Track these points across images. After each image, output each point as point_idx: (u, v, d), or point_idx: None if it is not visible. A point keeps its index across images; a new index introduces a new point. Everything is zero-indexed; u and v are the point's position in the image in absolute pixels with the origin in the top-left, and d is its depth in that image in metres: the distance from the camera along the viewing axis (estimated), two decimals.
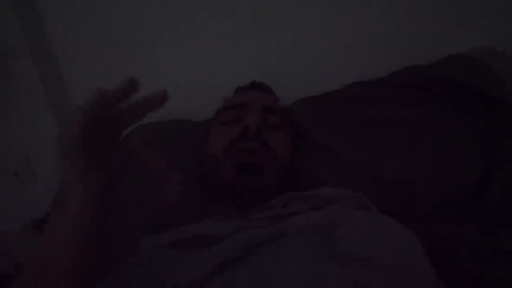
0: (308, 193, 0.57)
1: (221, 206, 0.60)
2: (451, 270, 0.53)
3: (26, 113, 1.15)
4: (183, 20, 1.02)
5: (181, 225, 0.53)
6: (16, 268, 0.57)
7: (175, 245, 0.47)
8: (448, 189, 0.68)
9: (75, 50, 1.11)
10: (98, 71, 1.13)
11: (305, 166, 0.76)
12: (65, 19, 1.08)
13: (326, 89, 0.93)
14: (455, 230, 0.60)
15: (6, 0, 1.01)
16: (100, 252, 0.33)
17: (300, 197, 0.57)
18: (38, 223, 0.77)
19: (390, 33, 0.94)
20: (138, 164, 0.35)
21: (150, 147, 0.34)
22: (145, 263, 0.45)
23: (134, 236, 0.34)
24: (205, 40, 1.03)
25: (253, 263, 0.43)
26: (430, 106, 0.78)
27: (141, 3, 1.02)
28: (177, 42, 1.05)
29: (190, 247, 0.46)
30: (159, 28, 1.04)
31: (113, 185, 0.34)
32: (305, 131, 0.82)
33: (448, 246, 0.57)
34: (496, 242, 0.58)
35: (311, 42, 0.99)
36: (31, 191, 1.24)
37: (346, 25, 0.96)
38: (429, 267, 0.45)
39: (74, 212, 0.32)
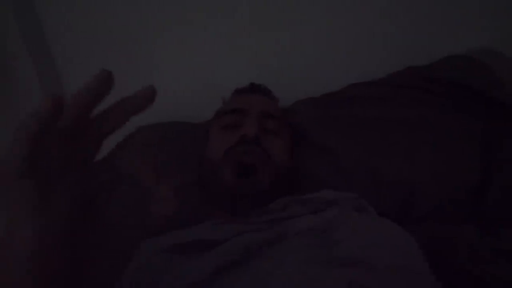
0: (307, 196, 0.57)
1: (221, 210, 0.60)
2: (451, 270, 0.53)
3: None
4: (182, 20, 1.02)
5: (181, 226, 0.53)
6: None
7: (175, 249, 0.47)
8: (448, 189, 0.68)
9: (74, 51, 1.11)
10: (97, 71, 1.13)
11: (305, 167, 0.76)
12: (64, 19, 1.08)
13: (326, 89, 0.93)
14: (455, 230, 0.60)
15: (5, 1, 1.00)
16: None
17: (299, 200, 0.57)
18: None
19: (390, 33, 0.94)
20: (128, 178, 0.28)
21: (143, 159, 0.29)
22: (144, 266, 0.45)
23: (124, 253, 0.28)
24: (204, 40, 1.03)
25: (252, 266, 0.44)
26: (430, 106, 0.78)
27: (140, 3, 1.02)
28: (176, 43, 1.05)
29: (189, 251, 0.46)
30: (158, 28, 1.04)
31: (91, 209, 0.27)
32: (305, 131, 0.82)
33: (448, 246, 0.57)
34: (496, 242, 0.58)
35: (311, 42, 0.99)
36: None
37: (346, 25, 0.96)
38: (427, 268, 0.45)
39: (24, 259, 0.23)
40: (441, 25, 0.91)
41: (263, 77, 0.85)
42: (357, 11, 0.94)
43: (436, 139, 0.73)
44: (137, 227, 0.27)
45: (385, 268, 0.43)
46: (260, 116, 0.68)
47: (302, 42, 0.99)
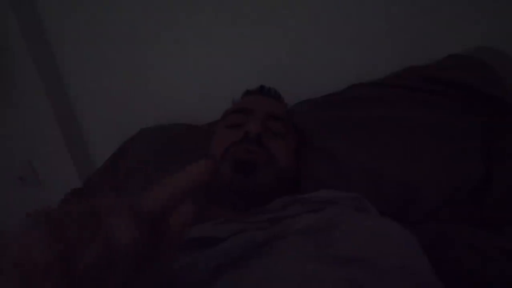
0: (307, 196, 0.57)
1: (221, 208, 0.60)
2: (452, 270, 0.53)
3: (28, 117, 1.15)
4: (184, 22, 1.03)
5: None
6: None
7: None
8: (449, 189, 0.68)
9: (75, 52, 1.12)
10: (99, 73, 1.14)
11: (305, 167, 0.76)
12: (66, 20, 1.08)
13: (326, 90, 0.93)
14: (456, 230, 0.60)
15: (6, 0, 1.01)
16: None
17: (299, 199, 0.57)
18: None
19: (390, 33, 0.94)
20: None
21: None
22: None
23: None
24: (206, 43, 1.04)
25: (252, 264, 0.44)
26: (431, 106, 0.78)
27: (143, 6, 1.03)
28: (178, 45, 1.06)
29: (190, 249, 0.46)
30: (160, 30, 1.05)
31: None
32: (305, 132, 0.82)
33: (448, 246, 0.57)
34: (498, 241, 0.57)
35: (312, 43, 0.99)
36: (34, 195, 1.25)
37: (347, 26, 0.96)
38: (428, 267, 0.45)
39: None
40: (441, 25, 0.92)
41: (264, 78, 0.85)
42: (357, 12, 0.94)
43: (436, 139, 0.73)
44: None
45: (386, 267, 0.43)
46: (265, 116, 0.69)
47: (303, 44, 1.00)
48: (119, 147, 1.03)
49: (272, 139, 0.67)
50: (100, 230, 0.22)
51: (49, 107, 1.13)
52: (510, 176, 0.67)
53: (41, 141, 1.18)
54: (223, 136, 0.68)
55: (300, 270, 0.42)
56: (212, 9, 1.00)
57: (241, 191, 0.60)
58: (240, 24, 1.00)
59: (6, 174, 1.25)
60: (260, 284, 0.41)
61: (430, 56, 0.89)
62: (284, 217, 0.52)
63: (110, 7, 1.04)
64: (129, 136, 1.06)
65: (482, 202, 0.66)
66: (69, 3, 1.06)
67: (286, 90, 0.84)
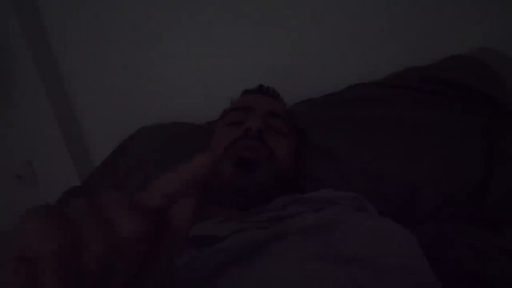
0: (307, 195, 0.57)
1: (221, 207, 0.60)
2: (452, 270, 0.53)
3: (28, 116, 1.15)
4: (185, 22, 1.03)
5: None
6: None
7: None
8: (448, 190, 0.68)
9: (76, 52, 1.12)
10: (99, 73, 1.14)
11: (305, 167, 0.76)
12: (66, 19, 1.08)
13: (329, 90, 0.93)
14: (456, 230, 0.60)
15: (6, 0, 1.01)
16: None
17: (300, 199, 0.57)
18: None
19: (390, 33, 0.94)
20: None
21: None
22: None
23: None
24: (206, 42, 1.04)
25: (252, 264, 0.43)
26: (431, 107, 0.78)
27: (145, 5, 1.03)
28: (177, 44, 1.06)
29: (189, 248, 0.46)
30: (160, 29, 1.05)
31: None
32: (306, 132, 0.82)
33: (448, 246, 0.57)
34: (498, 241, 0.57)
35: (312, 43, 0.99)
36: (33, 194, 1.25)
37: (347, 26, 0.96)
38: (427, 267, 0.45)
39: None
40: (443, 25, 0.92)
41: (269, 78, 0.85)
42: (359, 12, 0.94)
43: (436, 139, 0.73)
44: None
45: (386, 267, 0.43)
46: (265, 113, 0.68)
47: (307, 44, 1.00)
48: (119, 145, 1.03)
49: (273, 137, 0.66)
50: (104, 222, 0.22)
51: (49, 107, 1.13)
52: (510, 178, 0.67)
53: (40, 141, 1.18)
54: (223, 135, 0.68)
55: (300, 270, 0.42)
56: (214, 9, 1.00)
57: (242, 189, 0.60)
58: (242, 24, 1.00)
59: (5, 174, 1.25)
60: (260, 284, 0.41)
61: (432, 56, 0.89)
62: (284, 216, 0.52)
63: (111, 7, 1.04)
64: (129, 136, 1.06)
65: (482, 203, 0.66)
66: (70, 3, 1.06)
67: (288, 90, 0.84)
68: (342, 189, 0.60)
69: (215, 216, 0.53)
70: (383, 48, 0.96)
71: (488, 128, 0.73)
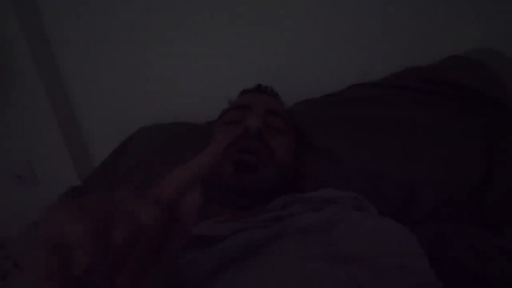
0: (307, 195, 0.57)
1: (221, 207, 0.60)
2: (451, 270, 0.53)
3: (28, 116, 1.15)
4: (183, 23, 1.03)
5: None
6: (17, 271, 0.57)
7: None
8: (447, 190, 0.68)
9: (75, 52, 1.12)
10: (99, 73, 1.14)
11: (305, 167, 0.76)
12: (65, 19, 1.08)
13: (323, 90, 0.93)
14: (455, 230, 0.60)
15: (6, 0, 1.01)
16: None
17: (299, 199, 0.57)
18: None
19: (390, 33, 0.94)
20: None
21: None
22: None
23: None
24: (205, 42, 1.04)
25: (253, 263, 0.43)
26: (430, 107, 0.78)
27: (142, 6, 1.03)
28: (177, 45, 1.06)
29: (190, 247, 0.46)
30: (159, 30, 1.05)
31: None
32: (305, 132, 0.82)
33: (448, 246, 0.57)
34: (498, 241, 0.57)
35: (311, 43, 0.99)
36: (32, 194, 1.25)
37: (346, 26, 0.96)
38: (428, 267, 0.45)
39: None
40: (438, 25, 0.92)
41: (264, 78, 0.85)
42: (357, 12, 0.94)
43: (436, 139, 0.73)
44: None
45: (386, 266, 0.43)
46: (265, 112, 0.68)
47: (302, 44, 1.00)
48: (119, 145, 1.03)
49: (272, 135, 0.65)
50: (125, 211, 0.24)
51: (48, 107, 1.13)
52: (510, 178, 0.67)
53: (40, 141, 1.18)
54: (222, 134, 0.67)
55: (300, 270, 0.42)
56: (209, 9, 1.00)
57: (243, 192, 0.59)
58: (236, 24, 1.00)
59: (5, 174, 1.25)
60: (260, 283, 0.41)
61: (427, 56, 0.89)
62: (284, 216, 0.52)
63: (110, 8, 1.05)
64: (128, 136, 1.06)
65: (482, 203, 0.66)
66: (69, 3, 1.06)
67: (283, 90, 0.84)
68: (341, 189, 0.60)
69: (215, 216, 0.53)
70: (377, 48, 0.96)
71: (489, 128, 0.73)
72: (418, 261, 0.45)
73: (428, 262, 0.45)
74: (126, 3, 1.03)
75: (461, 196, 0.67)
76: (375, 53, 0.96)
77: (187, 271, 0.43)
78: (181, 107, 1.10)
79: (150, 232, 0.24)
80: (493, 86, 0.79)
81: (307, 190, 0.61)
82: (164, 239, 0.26)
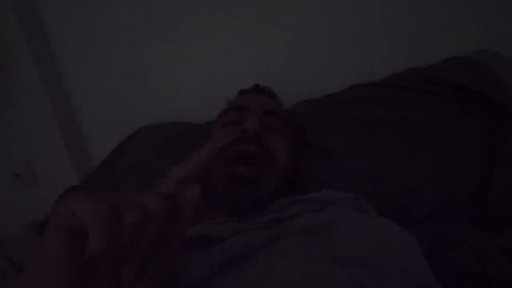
0: (307, 196, 0.57)
1: (220, 212, 0.58)
2: (451, 270, 0.52)
3: (27, 116, 1.15)
4: (183, 22, 1.03)
5: None
6: (16, 271, 0.57)
7: None
8: (448, 190, 0.68)
9: (75, 52, 1.12)
10: (99, 73, 1.14)
11: (305, 167, 0.76)
12: (66, 19, 1.08)
13: (323, 90, 0.93)
14: (455, 230, 0.60)
15: (6, 0, 1.01)
16: None
17: (300, 200, 0.56)
18: (39, 226, 0.77)
19: (390, 34, 0.94)
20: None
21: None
22: None
23: None
24: (205, 42, 1.04)
25: (252, 264, 0.43)
26: (430, 108, 0.78)
27: (141, 6, 1.03)
28: (177, 45, 1.06)
29: (190, 248, 0.46)
30: (159, 30, 1.05)
31: None
32: (305, 132, 0.82)
33: (447, 246, 0.57)
34: (498, 242, 0.57)
35: (311, 43, 0.99)
36: (32, 194, 1.25)
37: (346, 26, 0.96)
38: (427, 268, 0.45)
39: None
40: (438, 25, 0.92)
41: (264, 78, 0.85)
42: (357, 13, 0.94)
43: (436, 140, 0.73)
44: None
45: (385, 268, 0.43)
46: (262, 112, 0.67)
47: (302, 44, 1.00)
48: (118, 145, 1.03)
49: (271, 136, 0.64)
50: (133, 199, 0.25)
51: (48, 107, 1.13)
52: (510, 178, 0.67)
53: (40, 140, 1.18)
54: (219, 135, 0.66)
55: (300, 270, 0.42)
56: (209, 9, 1.00)
57: (241, 202, 0.57)
58: (236, 24, 1.00)
59: (4, 174, 1.25)
60: (260, 284, 0.41)
61: (427, 57, 0.89)
62: (284, 217, 0.52)
63: (110, 8, 1.05)
64: (128, 136, 1.06)
65: (482, 204, 0.66)
66: (69, 3, 1.06)
67: (283, 90, 0.83)
68: (342, 190, 0.59)
69: (215, 218, 0.53)
70: (377, 48, 0.96)
71: (489, 129, 0.73)
72: (417, 262, 0.45)
73: (427, 263, 0.45)
74: (126, 3, 1.03)
75: (461, 197, 0.67)
76: (375, 53, 0.96)
77: (187, 271, 0.43)
78: (181, 107, 1.10)
79: (157, 220, 0.25)
80: (493, 87, 0.79)
81: (308, 190, 0.60)
82: (168, 229, 0.27)
